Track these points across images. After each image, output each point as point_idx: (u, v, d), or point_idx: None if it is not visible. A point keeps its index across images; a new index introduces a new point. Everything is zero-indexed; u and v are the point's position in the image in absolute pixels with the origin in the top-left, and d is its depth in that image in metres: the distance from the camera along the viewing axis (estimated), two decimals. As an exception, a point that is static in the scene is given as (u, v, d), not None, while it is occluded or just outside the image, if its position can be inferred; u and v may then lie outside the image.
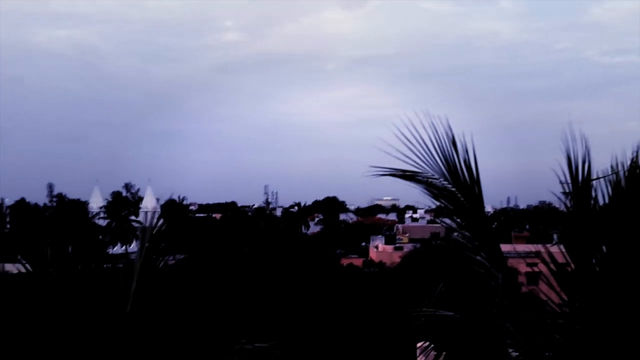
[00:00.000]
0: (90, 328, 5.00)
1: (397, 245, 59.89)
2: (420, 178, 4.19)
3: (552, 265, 4.28)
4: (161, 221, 5.92)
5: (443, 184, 4.17)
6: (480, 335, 5.32)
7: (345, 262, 45.88)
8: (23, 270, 4.97)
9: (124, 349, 5.17)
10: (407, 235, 70.07)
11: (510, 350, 5.27)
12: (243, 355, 5.72)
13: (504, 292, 4.62)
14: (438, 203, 4.44)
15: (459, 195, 4.15)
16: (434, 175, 4.17)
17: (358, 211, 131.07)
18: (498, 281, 4.82)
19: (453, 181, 4.09)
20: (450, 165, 4.04)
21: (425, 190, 4.27)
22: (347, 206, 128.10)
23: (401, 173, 4.24)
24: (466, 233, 4.56)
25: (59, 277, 4.80)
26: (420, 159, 4.11)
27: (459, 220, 4.61)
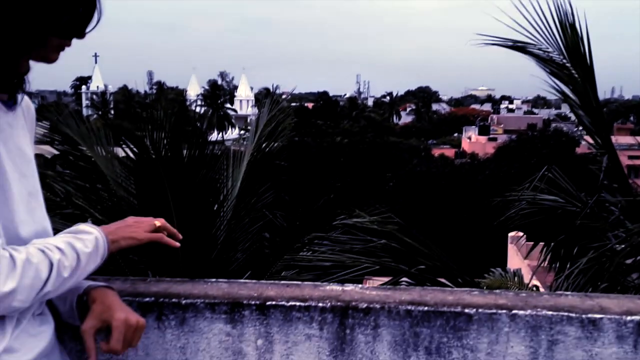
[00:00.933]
0: (197, 209, 5.30)
1: (491, 136, 58.77)
2: (532, 50, 4.07)
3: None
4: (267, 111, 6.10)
5: (559, 60, 4.04)
6: (582, 221, 5.31)
7: (436, 152, 45.65)
8: (129, 154, 5.25)
9: (231, 227, 5.51)
10: (502, 126, 68.49)
11: (613, 236, 5.26)
12: (343, 230, 5.99)
13: (609, 174, 4.56)
14: (548, 81, 4.33)
15: (574, 71, 4.04)
16: (548, 49, 4.05)
17: (451, 101, 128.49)
18: (603, 165, 4.77)
19: (569, 57, 3.96)
20: (568, 39, 3.90)
21: (539, 64, 4.14)
22: (440, 96, 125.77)
23: (512, 43, 4.12)
24: (580, 112, 4.46)
25: (165, 161, 5.04)
26: (536, 30, 3.96)
27: (573, 98, 4.49)
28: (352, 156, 36.29)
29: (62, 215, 5.56)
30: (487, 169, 33.62)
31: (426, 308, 1.57)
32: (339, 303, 1.59)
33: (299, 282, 1.76)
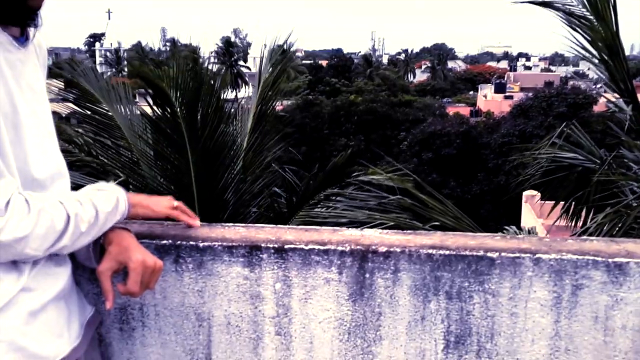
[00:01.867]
0: (213, 163, 5.30)
1: (508, 94, 58.13)
2: (556, 4, 3.98)
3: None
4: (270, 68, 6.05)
5: (582, 13, 3.95)
6: (601, 177, 5.24)
7: (451, 110, 45.27)
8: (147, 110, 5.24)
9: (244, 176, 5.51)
10: (518, 83, 67.68)
11: (631, 192, 5.20)
12: (358, 187, 5.97)
13: (632, 127, 4.48)
14: (571, 36, 4.23)
15: (598, 25, 3.94)
16: (572, 3, 3.95)
17: (467, 59, 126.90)
18: (627, 114, 4.69)
19: (593, 10, 3.86)
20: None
21: (562, 19, 4.05)
22: (456, 53, 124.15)
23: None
24: (601, 67, 4.37)
25: (184, 117, 5.03)
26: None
27: (594, 52, 4.40)
28: (366, 114, 36.04)
29: (83, 170, 5.59)
30: (502, 128, 33.33)
31: (447, 252, 1.54)
32: (358, 247, 1.57)
33: (318, 227, 1.73)
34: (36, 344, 1.32)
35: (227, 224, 1.74)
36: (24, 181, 1.31)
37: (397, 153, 33.65)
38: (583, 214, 5.85)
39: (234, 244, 1.59)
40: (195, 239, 1.61)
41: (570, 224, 6.02)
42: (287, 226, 1.75)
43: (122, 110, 5.80)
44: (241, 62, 71.14)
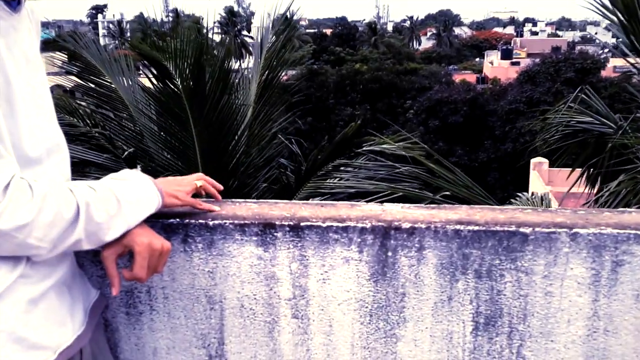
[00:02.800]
0: (218, 135, 5.19)
1: (514, 60, 57.53)
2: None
3: None
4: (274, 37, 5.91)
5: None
6: (618, 142, 5.11)
7: (457, 78, 44.85)
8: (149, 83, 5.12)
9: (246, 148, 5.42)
10: (525, 49, 66.92)
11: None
12: (367, 157, 5.86)
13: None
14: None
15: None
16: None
17: (473, 25, 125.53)
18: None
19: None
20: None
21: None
22: (462, 19, 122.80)
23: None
24: (619, 29, 4.22)
25: (187, 89, 4.92)
26: None
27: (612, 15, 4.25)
28: (372, 83, 35.69)
29: (87, 144, 5.49)
30: (509, 95, 33.01)
31: (476, 227, 1.43)
32: (380, 223, 1.45)
33: (335, 202, 1.62)
34: (37, 333, 1.22)
35: (238, 200, 1.63)
36: (17, 158, 1.20)
37: (404, 122, 33.41)
38: (598, 180, 5.74)
39: (246, 221, 1.48)
40: (205, 216, 1.50)
41: (584, 191, 5.91)
42: (302, 202, 1.64)
43: (125, 83, 5.69)
44: (245, 32, 70.51)
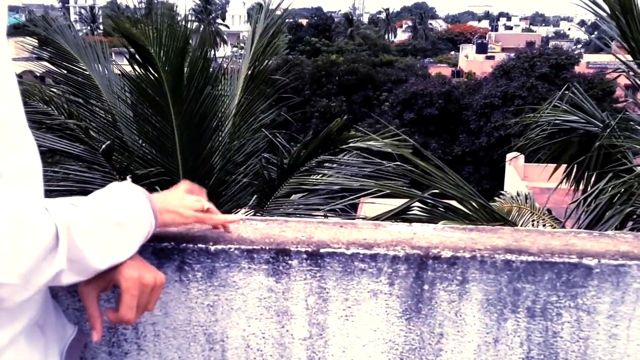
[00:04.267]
0: (197, 127, 4.97)
1: (489, 54, 57.69)
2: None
3: None
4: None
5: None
6: (603, 142, 4.96)
7: (433, 71, 44.82)
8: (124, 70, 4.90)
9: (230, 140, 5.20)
10: (500, 44, 67.16)
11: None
12: (353, 153, 5.65)
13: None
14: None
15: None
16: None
17: (448, 18, 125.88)
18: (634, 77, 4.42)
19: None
20: None
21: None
22: (437, 12, 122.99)
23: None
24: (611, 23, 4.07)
25: (167, 76, 4.68)
26: None
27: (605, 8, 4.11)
28: (348, 74, 35.43)
29: (59, 134, 5.19)
30: (484, 89, 33.03)
31: (531, 258, 1.20)
32: (415, 251, 1.22)
33: (355, 221, 1.38)
34: None
35: (240, 216, 1.38)
36: None
37: (379, 114, 33.25)
38: (584, 178, 5.60)
39: (254, 246, 1.24)
40: (205, 239, 1.26)
41: (566, 187, 5.77)
42: (317, 220, 1.40)
43: (100, 69, 5.42)
44: (219, 20, 69.71)
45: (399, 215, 4.16)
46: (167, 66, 4.54)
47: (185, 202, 1.22)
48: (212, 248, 1.24)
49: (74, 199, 1.02)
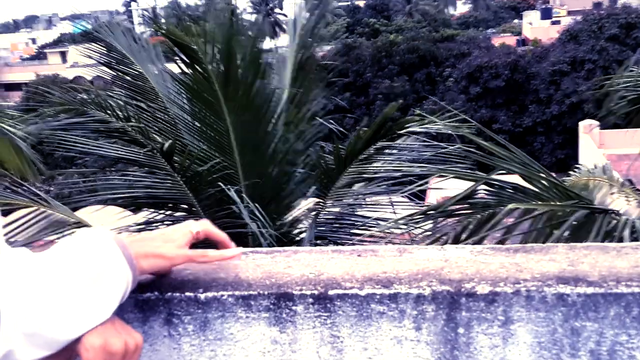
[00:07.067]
0: (253, 122, 4.87)
1: (554, 19, 55.61)
2: None
3: None
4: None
5: None
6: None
7: (496, 41, 43.55)
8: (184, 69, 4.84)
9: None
10: (565, 7, 64.66)
11: None
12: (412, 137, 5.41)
13: None
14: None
15: None
16: None
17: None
18: None
19: None
20: None
21: None
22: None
23: None
24: None
25: (218, 74, 4.57)
26: None
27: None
28: (409, 53, 34.77)
29: (118, 141, 5.17)
30: (551, 55, 31.82)
31: (590, 289, 0.96)
32: (443, 287, 0.99)
33: (376, 248, 1.17)
34: None
35: (243, 249, 1.18)
36: None
37: (444, 91, 32.59)
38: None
39: (251, 291, 1.04)
40: (193, 286, 1.06)
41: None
42: (332, 249, 1.18)
43: (155, 71, 5.41)
44: (277, 10, 69.78)
45: (465, 200, 3.91)
46: (214, 61, 4.45)
47: (171, 237, 1.03)
48: (203, 296, 1.04)
49: (26, 258, 0.85)
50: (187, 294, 1.05)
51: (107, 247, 0.92)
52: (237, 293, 1.04)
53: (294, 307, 1.03)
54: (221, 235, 1.08)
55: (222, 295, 1.04)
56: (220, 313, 1.04)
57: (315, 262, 1.12)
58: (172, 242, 1.02)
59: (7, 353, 0.81)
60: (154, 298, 1.05)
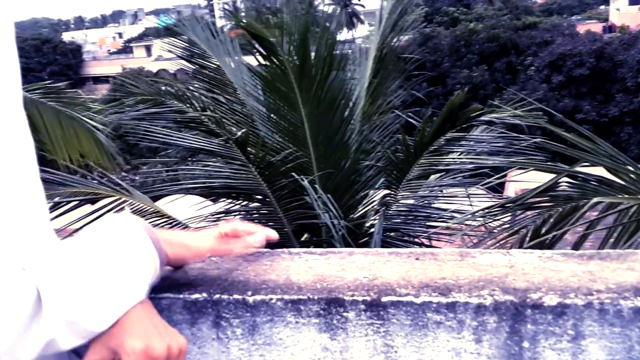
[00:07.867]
0: (329, 114, 4.85)
1: (645, 4, 53.07)
2: None
3: None
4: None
5: None
6: None
7: (581, 28, 41.99)
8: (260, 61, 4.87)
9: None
10: (656, -9, 61.58)
11: None
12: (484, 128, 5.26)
13: None
14: None
15: None
16: None
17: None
18: None
19: None
20: None
21: None
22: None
23: None
24: None
25: (294, 66, 4.57)
26: None
27: None
28: (488, 42, 33.95)
29: (199, 132, 5.27)
30: (641, 42, 30.39)
31: (673, 304, 0.86)
32: (506, 297, 0.91)
33: (436, 251, 1.09)
34: None
35: (296, 251, 1.14)
36: None
37: (525, 80, 31.66)
38: None
39: (301, 295, 0.99)
40: (243, 288, 1.02)
41: None
42: (388, 251, 1.12)
43: (233, 64, 5.50)
44: (355, 0, 69.56)
45: (546, 192, 3.75)
46: (290, 54, 4.46)
47: (198, 233, 1.03)
48: (251, 299, 1.00)
49: (53, 244, 0.84)
50: (235, 296, 1.01)
51: (134, 230, 0.90)
52: (286, 297, 0.99)
53: (345, 314, 0.97)
54: (251, 227, 1.07)
55: (271, 299, 0.99)
56: (269, 317, 1.00)
57: (370, 265, 1.06)
58: (197, 236, 1.03)
59: (49, 341, 0.79)
60: (202, 299, 1.02)
